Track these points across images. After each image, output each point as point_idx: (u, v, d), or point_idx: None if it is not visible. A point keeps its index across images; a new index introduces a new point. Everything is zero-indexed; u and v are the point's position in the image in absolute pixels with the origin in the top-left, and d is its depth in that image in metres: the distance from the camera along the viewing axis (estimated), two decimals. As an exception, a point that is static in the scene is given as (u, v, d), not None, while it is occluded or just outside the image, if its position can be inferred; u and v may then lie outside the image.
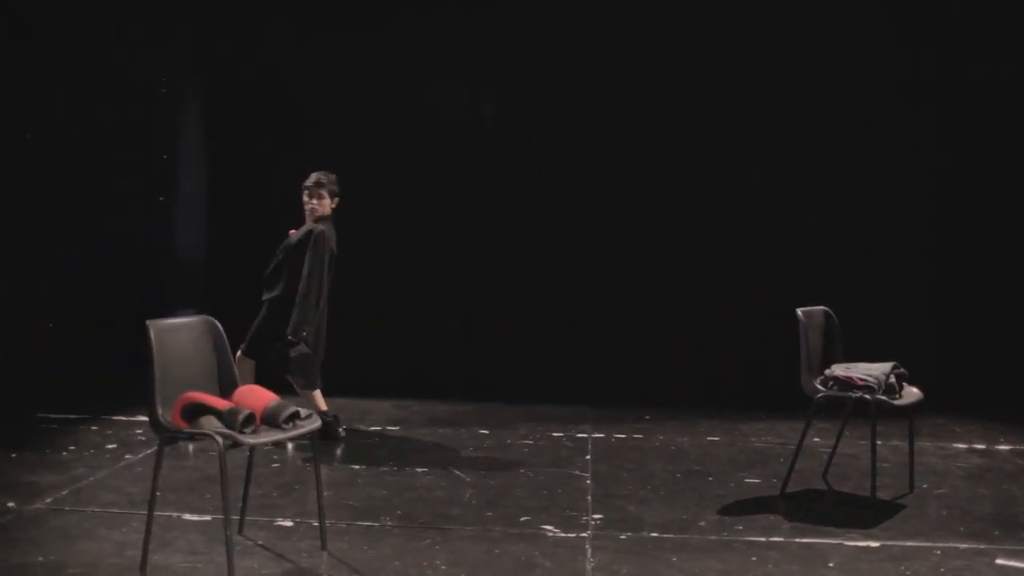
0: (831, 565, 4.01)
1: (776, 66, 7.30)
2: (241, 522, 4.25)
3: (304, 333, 5.65)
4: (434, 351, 7.35)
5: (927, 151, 7.31)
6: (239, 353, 5.67)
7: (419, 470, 5.34)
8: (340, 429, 5.91)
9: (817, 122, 7.29)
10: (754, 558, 4.07)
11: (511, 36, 7.47)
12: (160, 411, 3.73)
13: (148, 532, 3.81)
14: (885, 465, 5.45)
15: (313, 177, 5.88)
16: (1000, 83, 7.21)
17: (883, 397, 4.64)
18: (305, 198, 5.84)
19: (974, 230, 7.28)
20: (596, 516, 4.60)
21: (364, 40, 7.56)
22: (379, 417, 6.65)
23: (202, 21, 7.71)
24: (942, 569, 3.98)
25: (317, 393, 5.82)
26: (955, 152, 7.27)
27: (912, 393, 4.84)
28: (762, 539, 4.30)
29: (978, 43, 7.22)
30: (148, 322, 3.81)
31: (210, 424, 3.67)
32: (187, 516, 4.47)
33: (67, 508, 4.56)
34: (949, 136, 7.26)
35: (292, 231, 5.79)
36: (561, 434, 6.25)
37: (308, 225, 5.81)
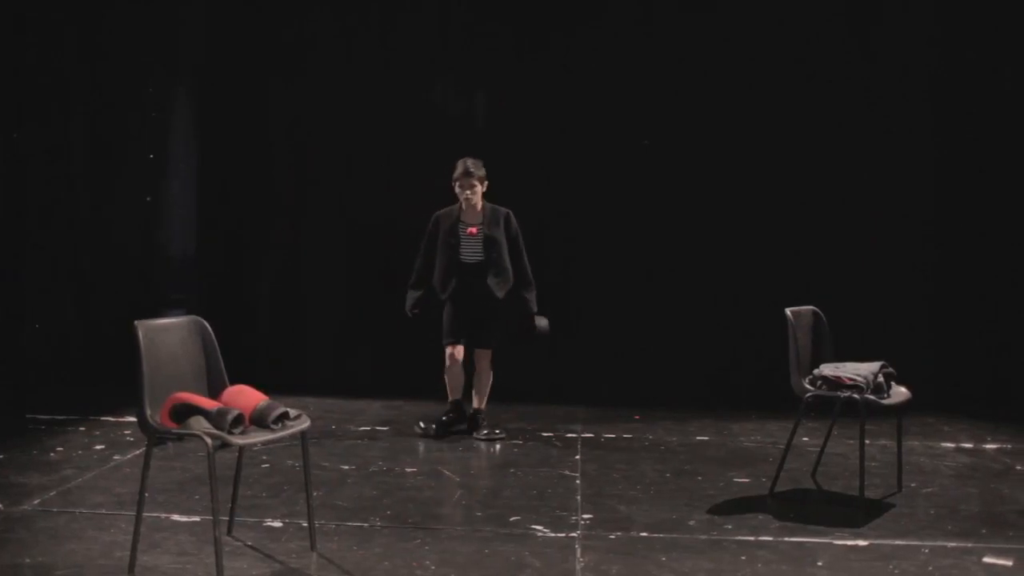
0: (820, 564, 4.02)
1: (774, 65, 7.31)
2: (230, 523, 4.24)
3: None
4: (424, 351, 7.34)
5: (921, 152, 7.33)
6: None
7: (409, 470, 5.33)
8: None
9: (811, 122, 7.30)
10: (743, 557, 4.08)
11: (509, 37, 7.47)
12: (149, 412, 3.72)
13: (137, 533, 3.80)
14: (873, 464, 5.46)
15: (460, 167, 5.94)
16: (998, 81, 7.22)
17: (871, 396, 4.65)
18: (458, 189, 5.93)
19: (963, 232, 7.30)
20: (586, 516, 4.60)
21: (359, 39, 7.55)
22: (369, 417, 6.64)
23: (191, 18, 7.69)
24: (930, 568, 3.99)
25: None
26: (948, 153, 7.28)
27: (900, 392, 4.85)
28: (751, 538, 4.31)
29: (977, 41, 7.23)
30: (136, 322, 3.80)
31: (199, 425, 3.66)
32: (176, 517, 4.46)
33: (55, 509, 4.55)
34: (945, 136, 7.28)
35: (472, 230, 5.93)
36: (551, 434, 6.25)
37: (486, 210, 5.97)
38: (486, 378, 6.09)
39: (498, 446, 5.92)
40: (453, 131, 7.37)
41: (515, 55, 7.49)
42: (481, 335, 6.04)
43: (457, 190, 5.95)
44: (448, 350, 6.05)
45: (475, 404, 6.12)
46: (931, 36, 7.29)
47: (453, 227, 5.97)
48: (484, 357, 6.07)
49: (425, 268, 6.07)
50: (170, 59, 7.72)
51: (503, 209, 6.01)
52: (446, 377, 6.12)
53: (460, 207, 6.00)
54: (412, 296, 6.08)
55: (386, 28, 7.55)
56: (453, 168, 5.97)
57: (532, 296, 6.06)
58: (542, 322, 6.09)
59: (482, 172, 5.95)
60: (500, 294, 5.95)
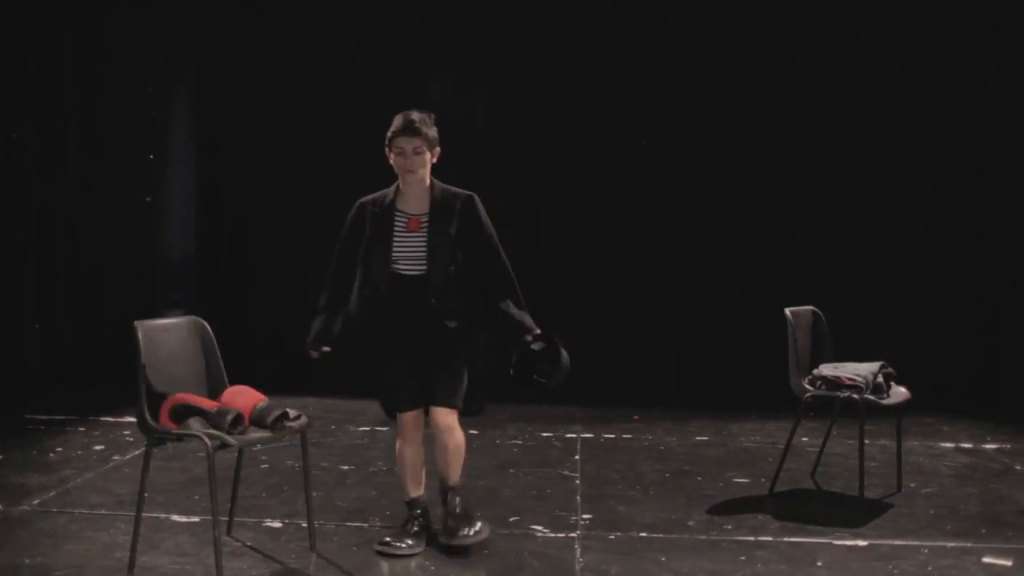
0: (819, 564, 4.02)
1: (774, 65, 7.30)
2: (229, 523, 4.24)
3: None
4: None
5: (920, 152, 7.32)
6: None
7: (408, 470, 5.33)
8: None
9: (811, 122, 7.29)
10: (743, 557, 4.08)
11: (509, 37, 7.47)
12: (148, 412, 3.72)
13: (136, 534, 3.80)
14: (873, 464, 5.46)
15: (399, 120, 4.03)
16: (998, 81, 7.20)
17: (871, 397, 4.65)
18: (393, 158, 4.04)
19: (963, 230, 7.29)
20: (585, 516, 4.60)
21: (359, 39, 7.54)
22: (369, 417, 6.63)
23: (191, 18, 7.69)
24: (929, 568, 3.99)
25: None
26: (948, 152, 7.27)
27: (900, 392, 4.85)
28: (751, 538, 4.31)
29: (977, 41, 7.21)
30: (136, 323, 3.80)
31: (198, 425, 3.66)
32: (175, 517, 4.46)
33: (54, 510, 4.55)
34: (944, 136, 7.27)
35: (412, 222, 4.01)
36: (550, 434, 6.25)
37: (435, 193, 4.05)
38: (454, 442, 4.06)
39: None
40: (453, 131, 7.35)
41: (515, 55, 7.48)
42: (439, 387, 4.02)
43: (393, 159, 4.02)
44: (401, 419, 4.11)
45: (444, 479, 4.12)
46: (930, 36, 7.28)
47: (384, 218, 4.01)
48: (447, 416, 4.04)
49: (339, 284, 4.10)
50: (170, 59, 7.72)
51: (462, 192, 4.06)
52: (398, 462, 4.20)
53: (396, 189, 4.09)
54: (317, 326, 4.07)
55: (386, 28, 7.54)
56: (389, 124, 4.06)
57: (523, 310, 4.09)
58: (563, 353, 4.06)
59: (434, 132, 4.02)
60: (451, 322, 3.98)
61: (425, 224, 3.99)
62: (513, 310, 4.08)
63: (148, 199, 7.72)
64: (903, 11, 7.32)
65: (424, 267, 3.98)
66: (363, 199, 4.14)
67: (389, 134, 4.03)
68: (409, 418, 4.11)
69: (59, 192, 7.69)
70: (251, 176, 7.67)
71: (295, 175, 7.67)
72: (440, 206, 4.02)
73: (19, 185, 7.69)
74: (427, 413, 4.12)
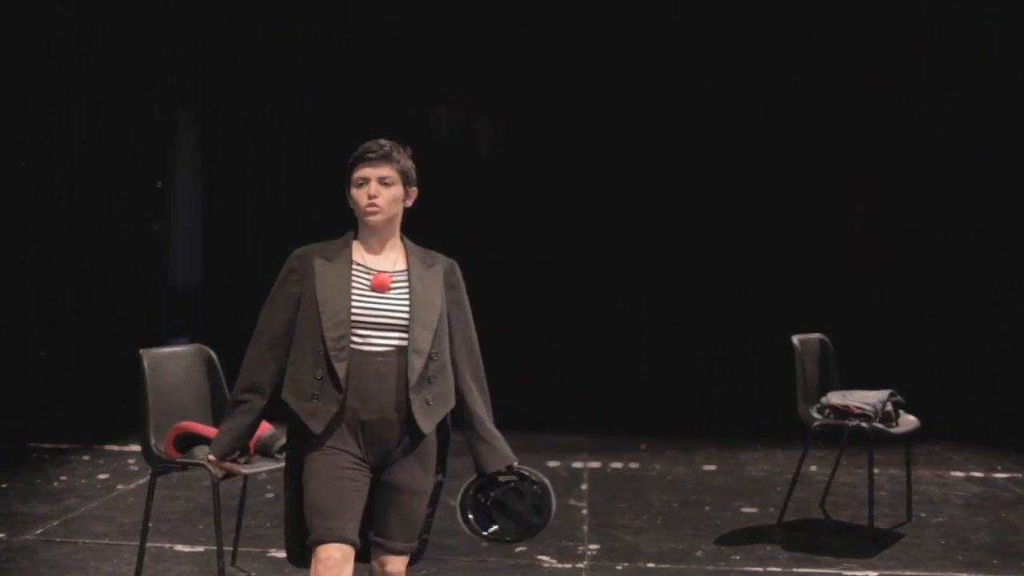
0: (830, 595, 3.98)
1: (777, 93, 7.30)
2: (234, 553, 4.20)
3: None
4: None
5: (927, 178, 7.32)
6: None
7: (414, 500, 5.29)
8: None
9: (817, 148, 7.29)
10: (752, 588, 4.04)
11: (508, 60, 7.50)
12: (153, 441, 3.71)
13: (140, 564, 3.78)
14: (882, 494, 5.41)
15: (367, 147, 2.95)
16: (1007, 113, 7.23)
17: (880, 425, 4.62)
18: (354, 191, 2.95)
19: (972, 258, 7.27)
20: (592, 546, 4.56)
21: (363, 68, 7.58)
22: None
23: (198, 48, 7.75)
24: (941, 599, 3.95)
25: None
26: (958, 177, 7.27)
27: (909, 421, 4.82)
28: (759, 569, 4.27)
29: (987, 61, 7.26)
30: (142, 351, 3.80)
31: (203, 454, 3.64)
32: (179, 547, 4.43)
33: (58, 539, 4.52)
34: (952, 160, 7.26)
35: (382, 277, 2.86)
36: (557, 463, 6.21)
37: (408, 248, 2.97)
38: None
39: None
40: (451, 159, 7.39)
41: (515, 73, 7.48)
42: (391, 522, 2.85)
43: (352, 194, 2.96)
44: (323, 554, 2.70)
45: None
46: (939, 61, 7.31)
47: (336, 271, 2.89)
48: (398, 564, 2.87)
49: (268, 367, 2.91)
50: (176, 87, 7.76)
51: (442, 256, 3.00)
52: None
53: (352, 239, 2.99)
54: (231, 430, 2.96)
55: (390, 52, 7.56)
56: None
57: (492, 426, 2.96)
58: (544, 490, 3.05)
59: (410, 165, 2.96)
60: (428, 425, 2.82)
61: (402, 284, 2.85)
62: (488, 428, 2.93)
63: (155, 227, 7.73)
64: (909, 36, 7.33)
65: (398, 341, 2.80)
66: (301, 249, 3.02)
67: (349, 162, 2.94)
68: (336, 554, 2.70)
69: (65, 220, 7.71)
70: (258, 205, 7.69)
71: (299, 203, 7.69)
72: (420, 264, 2.91)
73: (24, 211, 7.71)
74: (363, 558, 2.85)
